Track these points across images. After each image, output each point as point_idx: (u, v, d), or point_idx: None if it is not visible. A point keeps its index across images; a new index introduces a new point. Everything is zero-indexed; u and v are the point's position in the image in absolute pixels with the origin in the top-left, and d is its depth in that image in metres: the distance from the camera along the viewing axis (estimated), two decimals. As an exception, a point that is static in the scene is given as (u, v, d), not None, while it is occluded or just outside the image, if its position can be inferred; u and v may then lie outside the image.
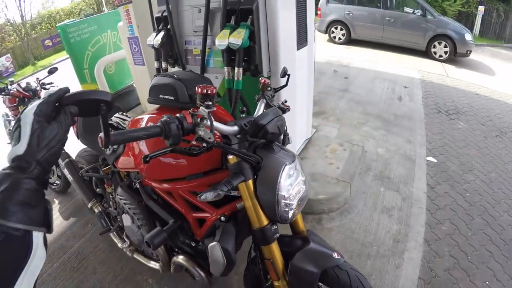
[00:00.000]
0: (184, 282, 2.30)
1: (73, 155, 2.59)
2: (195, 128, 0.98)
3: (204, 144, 0.99)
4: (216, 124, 1.05)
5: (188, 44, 2.59)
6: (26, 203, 0.61)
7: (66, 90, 0.76)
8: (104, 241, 2.87)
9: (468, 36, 7.94)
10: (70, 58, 4.84)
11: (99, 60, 4.54)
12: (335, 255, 1.24)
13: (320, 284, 1.29)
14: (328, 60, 7.43)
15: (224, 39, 1.99)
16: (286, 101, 1.54)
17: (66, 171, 2.34)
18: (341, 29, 9.32)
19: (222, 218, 1.35)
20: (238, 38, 1.95)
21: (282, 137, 1.33)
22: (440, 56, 8.09)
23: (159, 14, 2.57)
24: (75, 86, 4.72)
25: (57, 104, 0.72)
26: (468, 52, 7.99)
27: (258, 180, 1.18)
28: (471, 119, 4.79)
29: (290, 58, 2.33)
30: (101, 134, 0.83)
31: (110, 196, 2.08)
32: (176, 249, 1.64)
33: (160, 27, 2.60)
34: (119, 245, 2.17)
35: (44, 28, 25.36)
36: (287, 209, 1.17)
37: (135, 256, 2.06)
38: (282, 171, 1.13)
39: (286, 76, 1.56)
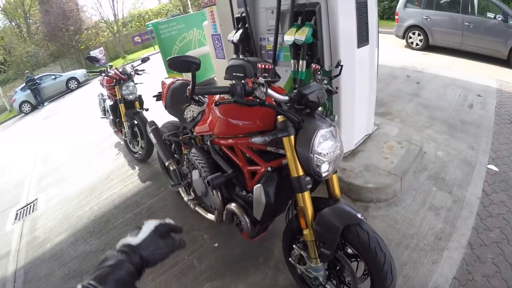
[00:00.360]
0: (233, 240, 2.72)
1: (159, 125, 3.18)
2: (253, 90, 1.38)
3: (257, 100, 1.37)
4: (269, 91, 1.42)
5: (263, 41, 3.01)
6: (122, 282, 0.73)
7: (178, 230, 0.99)
8: (172, 200, 3.49)
9: None
10: (160, 51, 5.63)
11: (186, 54, 5.18)
12: (359, 215, 1.51)
13: (342, 241, 1.58)
14: (403, 65, 7.35)
15: (291, 36, 2.36)
16: (337, 88, 1.85)
17: (151, 135, 2.95)
18: (419, 35, 9.04)
19: (269, 169, 1.71)
20: (302, 35, 2.30)
21: (325, 111, 1.65)
22: None
23: (239, 15, 3.04)
24: (162, 74, 5.51)
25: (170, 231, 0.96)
26: None
27: (298, 136, 1.51)
28: None
29: (349, 54, 2.59)
30: (189, 86, 1.27)
31: (185, 156, 2.61)
32: (231, 199, 2.06)
33: (239, 26, 3.05)
34: (185, 198, 2.72)
35: (134, 26, 28.06)
36: (319, 164, 1.48)
37: (197, 209, 2.59)
38: (317, 132, 1.45)
39: (340, 67, 1.86)
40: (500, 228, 2.64)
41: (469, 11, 8.19)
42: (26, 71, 16.69)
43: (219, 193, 2.09)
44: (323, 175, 1.52)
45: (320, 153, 1.48)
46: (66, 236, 3.53)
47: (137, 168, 4.49)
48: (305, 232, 1.61)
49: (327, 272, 1.74)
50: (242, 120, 1.77)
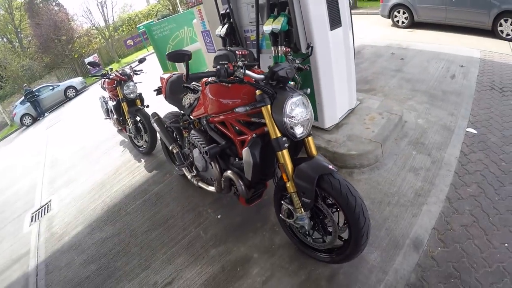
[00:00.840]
0: (234, 211, 3.10)
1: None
2: (234, 72, 1.74)
3: (237, 79, 1.74)
4: (247, 71, 1.77)
5: (247, 32, 3.34)
6: None
7: None
8: (178, 184, 3.86)
9: None
10: (155, 51, 5.94)
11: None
12: (331, 166, 1.85)
13: (317, 189, 1.90)
14: (389, 44, 7.61)
15: (269, 26, 2.69)
16: (309, 66, 2.21)
17: (155, 125, 3.34)
18: (404, 13, 9.26)
19: (254, 135, 2.06)
20: (278, 24, 2.63)
21: (296, 85, 2.07)
22: (508, 34, 7.64)
23: (224, 11, 3.36)
24: (158, 73, 5.88)
25: None
26: None
27: (273, 105, 1.87)
28: None
29: (323, 37, 2.89)
30: (185, 73, 1.61)
31: (186, 139, 2.99)
32: (226, 169, 2.41)
33: (224, 21, 3.37)
34: (189, 176, 3.15)
35: (125, 30, 28.19)
36: (293, 126, 1.83)
37: (200, 184, 3.00)
38: (288, 100, 1.80)
39: (310, 48, 2.17)
40: (478, 183, 2.85)
41: None
42: (24, 85, 16.91)
43: (216, 165, 2.45)
44: (298, 136, 1.87)
45: (293, 117, 1.82)
46: (83, 228, 3.82)
47: (143, 160, 4.86)
48: (288, 185, 1.94)
49: (311, 222, 2.06)
50: (229, 99, 2.13)
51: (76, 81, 17.82)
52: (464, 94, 4.67)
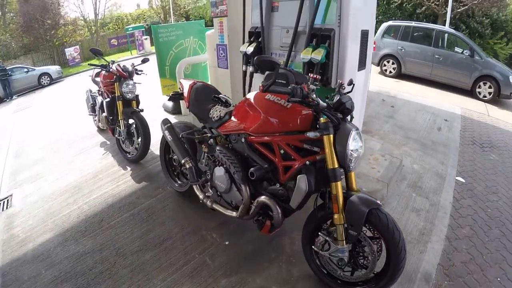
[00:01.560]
0: (243, 238, 2.86)
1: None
2: (308, 94, 1.78)
3: (315, 102, 1.79)
4: (317, 97, 1.82)
5: (273, 55, 3.33)
6: None
7: None
8: (173, 201, 3.49)
9: None
10: (156, 54, 5.74)
11: (182, 60, 5.39)
12: (378, 201, 1.90)
13: (364, 226, 1.93)
14: (378, 90, 7.98)
15: (307, 55, 2.71)
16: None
17: (166, 133, 3.08)
18: (393, 63, 9.86)
19: (307, 163, 2.01)
20: (318, 55, 2.67)
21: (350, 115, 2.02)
22: (484, 96, 8.43)
23: (253, 29, 3.34)
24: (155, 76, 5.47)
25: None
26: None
27: (337, 135, 1.88)
28: (503, 153, 5.19)
29: (351, 76, 2.94)
30: (263, 83, 1.59)
31: (205, 154, 2.79)
32: (256, 194, 2.30)
33: (251, 39, 3.35)
34: (201, 196, 2.84)
35: (111, 28, 27.63)
36: (351, 159, 1.87)
37: (214, 206, 2.74)
38: (351, 133, 1.84)
39: (352, 85, 2.19)
40: (470, 226, 3.24)
41: (440, 45, 9.07)
42: (-1, 60, 15.85)
43: (247, 187, 2.31)
44: (351, 169, 1.92)
45: (352, 150, 1.87)
46: (53, 236, 3.26)
47: (128, 168, 4.38)
48: (336, 216, 1.93)
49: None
50: (284, 120, 2.08)
51: (53, 69, 17.04)
52: (450, 146, 5.06)
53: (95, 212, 3.52)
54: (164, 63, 5.69)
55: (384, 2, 15.17)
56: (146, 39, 21.96)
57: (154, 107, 6.25)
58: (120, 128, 4.30)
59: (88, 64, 4.84)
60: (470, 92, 8.64)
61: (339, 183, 1.91)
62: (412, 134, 5.24)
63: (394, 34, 9.87)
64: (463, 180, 4.06)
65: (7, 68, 15.04)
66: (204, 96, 2.83)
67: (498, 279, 2.61)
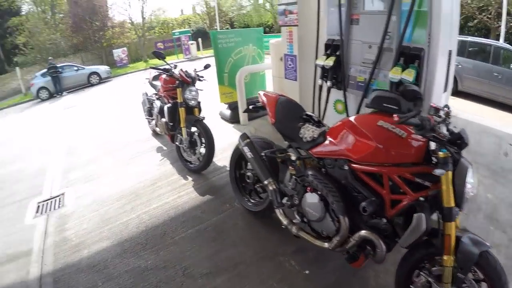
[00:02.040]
0: (325, 268, 2.63)
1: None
2: (434, 127, 1.67)
3: (440, 136, 1.67)
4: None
5: (352, 71, 3.17)
6: None
7: None
8: (243, 219, 3.25)
9: None
10: (215, 61, 5.68)
11: (242, 68, 5.34)
12: (487, 243, 1.76)
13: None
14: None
15: (396, 74, 2.54)
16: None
17: (246, 149, 2.86)
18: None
19: (421, 198, 1.87)
20: (409, 75, 2.49)
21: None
22: None
23: (330, 42, 3.20)
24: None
25: None
26: None
27: (456, 172, 1.75)
28: None
29: (437, 99, 2.77)
30: (402, 115, 1.58)
31: (292, 177, 2.58)
32: (355, 226, 2.13)
33: (328, 52, 3.20)
34: (285, 221, 2.62)
35: (157, 32, 28.48)
36: (467, 198, 1.75)
37: (300, 233, 2.52)
38: (469, 169, 1.73)
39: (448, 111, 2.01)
40: None
41: (500, 62, 8.52)
42: (50, 58, 16.63)
43: (346, 220, 2.13)
44: (465, 207, 1.78)
45: (469, 188, 1.74)
46: (110, 245, 3.13)
47: (190, 178, 4.23)
48: (445, 258, 1.78)
49: None
50: (397, 150, 1.93)
51: (102, 69, 17.79)
52: None
53: (156, 224, 3.35)
54: (223, 70, 5.66)
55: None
56: (192, 44, 22.46)
57: (212, 115, 6.13)
58: (182, 136, 4.19)
59: (150, 67, 4.83)
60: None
61: (453, 224, 1.76)
62: (480, 159, 4.86)
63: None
64: None
65: (58, 65, 15.80)
66: (291, 113, 2.64)
67: None
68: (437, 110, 1.95)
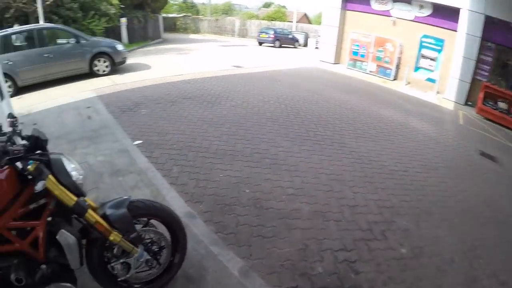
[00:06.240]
0: None
1: None
2: (5, 148, 1.56)
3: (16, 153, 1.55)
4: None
5: None
6: None
7: None
8: None
9: (120, 47, 9.86)
10: None
11: None
12: (124, 196, 2.01)
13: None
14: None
15: None
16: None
17: None
18: (6, 81, 8.38)
19: (49, 219, 1.73)
20: None
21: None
22: (104, 71, 9.51)
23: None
24: None
25: None
26: (124, 59, 9.98)
27: (55, 172, 1.68)
28: (149, 104, 6.58)
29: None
30: None
31: None
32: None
33: None
34: None
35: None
36: (81, 183, 1.81)
37: None
38: (62, 159, 1.77)
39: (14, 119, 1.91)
40: (174, 164, 4.23)
41: (44, 43, 8.74)
42: None
43: None
44: (83, 190, 1.82)
45: (75, 175, 1.78)
46: None
47: None
48: (112, 237, 1.85)
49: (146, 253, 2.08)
50: None
51: None
52: (108, 124, 5.55)
53: None
54: None
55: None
56: None
57: None
58: None
59: None
60: (91, 74, 9.32)
61: (90, 211, 1.79)
62: (73, 136, 5.09)
63: (-7, 49, 8.28)
64: (141, 141, 4.85)
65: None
66: None
67: (221, 175, 4.00)
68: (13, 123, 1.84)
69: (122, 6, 16.66)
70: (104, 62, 9.43)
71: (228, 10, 41.76)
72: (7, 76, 8.36)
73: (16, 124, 1.85)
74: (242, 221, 3.22)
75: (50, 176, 1.65)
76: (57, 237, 1.69)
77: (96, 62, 9.33)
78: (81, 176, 1.83)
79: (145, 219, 2.13)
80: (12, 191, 1.64)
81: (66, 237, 1.70)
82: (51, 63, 8.71)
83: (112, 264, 1.99)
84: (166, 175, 3.93)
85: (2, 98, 3.01)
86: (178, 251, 2.28)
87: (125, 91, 7.72)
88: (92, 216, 1.79)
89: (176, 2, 38.93)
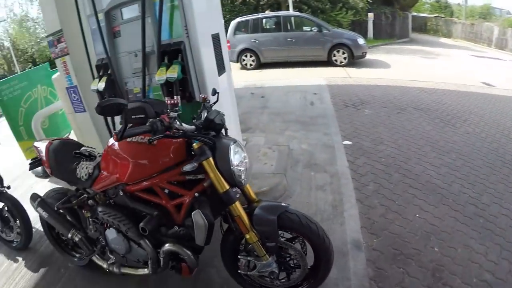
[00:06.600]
0: (166, 285, 2.57)
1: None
2: (171, 125, 1.58)
3: (180, 132, 1.60)
4: (182, 124, 1.65)
5: (128, 85, 3.05)
6: None
7: None
8: (82, 279, 2.95)
9: (361, 41, 9.65)
10: (5, 116, 4.82)
11: (35, 115, 4.66)
12: (283, 203, 1.85)
13: (280, 232, 1.85)
14: (244, 85, 8.19)
15: (162, 75, 2.51)
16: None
17: (40, 210, 2.56)
18: (251, 56, 10.31)
19: (196, 195, 1.85)
20: (173, 72, 2.50)
21: (224, 129, 1.91)
22: (341, 62, 9.57)
23: (99, 62, 3.02)
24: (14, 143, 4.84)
25: None
26: (364, 54, 9.69)
27: (216, 156, 1.74)
28: (375, 105, 5.84)
29: (214, 83, 2.87)
30: (116, 131, 1.37)
31: (89, 220, 2.39)
32: (158, 243, 2.05)
33: (101, 73, 3.01)
34: (105, 265, 2.44)
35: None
36: (240, 174, 1.75)
37: (123, 270, 2.35)
38: (230, 148, 1.72)
39: (216, 94, 2.14)
40: (373, 180, 3.51)
41: (289, 28, 9.93)
42: None
43: (146, 241, 2.03)
44: (243, 182, 1.79)
45: (238, 165, 1.74)
46: None
47: (20, 259, 3.53)
48: (248, 236, 1.81)
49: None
50: (155, 158, 1.86)
51: None
52: (327, 115, 5.45)
53: None
54: (17, 124, 4.83)
55: (229, 2, 15.77)
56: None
57: (24, 177, 5.10)
58: None
59: None
60: (328, 62, 9.64)
61: (237, 204, 1.79)
62: (289, 117, 5.48)
63: (244, 29, 10.36)
64: (350, 142, 4.40)
65: None
66: (65, 155, 2.40)
67: (417, 215, 2.96)
68: (204, 99, 2.03)
69: (370, 0, 16.45)
70: (343, 53, 9.51)
71: (486, 14, 34.96)
72: (252, 52, 10.10)
73: (208, 100, 2.01)
74: (407, 284, 2.37)
75: (210, 159, 1.72)
76: (192, 214, 1.79)
77: (335, 52, 9.52)
78: (242, 168, 1.79)
79: (295, 234, 1.93)
80: (177, 159, 1.85)
81: (198, 218, 1.77)
82: (292, 47, 9.73)
83: (240, 257, 2.00)
84: (358, 188, 3.40)
85: (223, 71, 3.27)
86: (313, 279, 2.03)
87: (355, 86, 7.45)
88: (237, 209, 1.80)
89: (428, 1, 35.67)
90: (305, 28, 9.82)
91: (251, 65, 10.36)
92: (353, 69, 9.26)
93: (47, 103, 5.18)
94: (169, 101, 1.74)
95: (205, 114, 1.90)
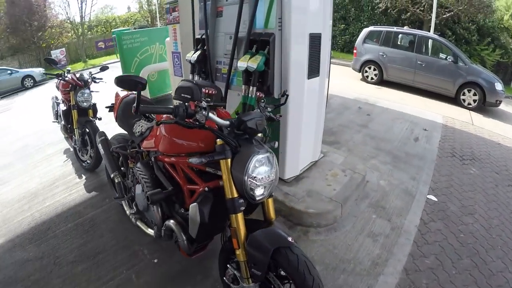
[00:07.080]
0: (173, 257, 2.73)
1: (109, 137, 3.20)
2: (195, 113, 1.50)
3: (197, 123, 1.50)
4: (211, 115, 1.53)
5: (219, 64, 3.11)
6: None
7: None
8: (116, 213, 3.43)
9: (499, 86, 7.97)
10: (120, 61, 5.53)
11: (145, 67, 5.20)
12: (290, 238, 1.59)
13: (274, 263, 1.64)
14: (357, 97, 7.72)
15: (244, 62, 2.48)
16: (280, 116, 2.00)
17: (100, 146, 2.99)
18: (374, 69, 9.63)
19: (206, 189, 1.82)
20: (254, 62, 2.43)
21: (265, 137, 1.79)
22: (469, 104, 8.15)
23: (199, 36, 3.14)
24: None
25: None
26: (498, 102, 7.99)
27: (234, 160, 1.62)
28: (485, 166, 4.79)
29: (299, 85, 2.73)
30: (134, 104, 1.34)
31: (130, 170, 2.65)
32: (170, 216, 2.14)
33: (198, 47, 3.14)
34: (128, 211, 2.76)
35: (99, 31, 27.41)
36: (253, 188, 1.58)
37: (138, 223, 2.62)
38: (252, 157, 1.56)
39: (285, 96, 2.01)
40: (436, 255, 2.82)
41: (423, 51, 8.85)
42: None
43: (158, 209, 2.13)
44: (257, 198, 1.62)
45: (255, 177, 1.57)
46: (4, 241, 3.29)
47: (84, 177, 4.38)
48: (238, 252, 1.67)
49: None
50: (185, 140, 1.89)
51: (37, 71, 16.76)
52: (426, 158, 4.73)
53: (44, 220, 3.53)
54: (129, 71, 5.49)
55: (369, 8, 15.05)
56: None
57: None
58: (75, 136, 4.30)
59: (43, 73, 4.71)
60: (454, 100, 8.36)
61: (239, 215, 1.65)
62: (384, 146, 4.96)
63: (376, 39, 9.67)
64: (435, 199, 3.68)
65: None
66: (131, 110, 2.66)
67: None
68: (260, 98, 1.95)
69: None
70: (474, 95, 7.99)
71: None
72: (377, 65, 9.37)
73: (263, 100, 1.95)
74: None
75: (228, 161, 1.63)
76: (190, 205, 1.80)
77: (465, 91, 8.14)
78: (259, 183, 1.60)
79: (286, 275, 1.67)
80: (205, 148, 1.83)
81: (193, 211, 1.78)
82: (420, 72, 8.68)
83: (229, 266, 1.90)
84: (413, 256, 2.79)
85: (316, 74, 3.05)
86: None
87: (474, 136, 6.26)
88: (236, 221, 1.67)
89: None
90: (441, 55, 8.64)
91: (372, 78, 9.69)
92: (479, 115, 7.78)
93: (160, 60, 5.69)
94: (205, 90, 1.79)
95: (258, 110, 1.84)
